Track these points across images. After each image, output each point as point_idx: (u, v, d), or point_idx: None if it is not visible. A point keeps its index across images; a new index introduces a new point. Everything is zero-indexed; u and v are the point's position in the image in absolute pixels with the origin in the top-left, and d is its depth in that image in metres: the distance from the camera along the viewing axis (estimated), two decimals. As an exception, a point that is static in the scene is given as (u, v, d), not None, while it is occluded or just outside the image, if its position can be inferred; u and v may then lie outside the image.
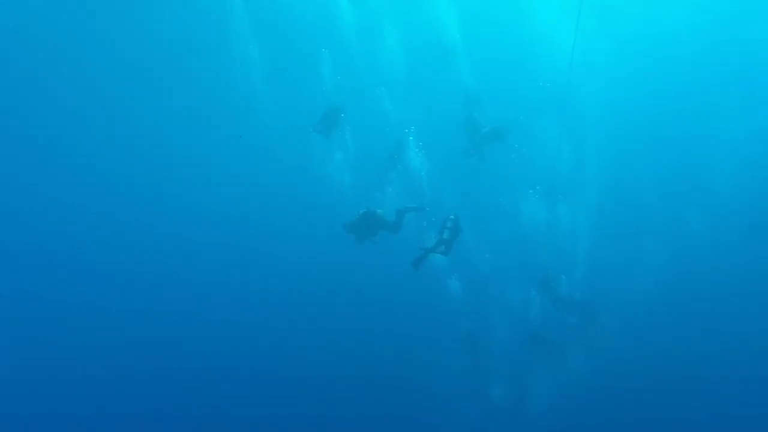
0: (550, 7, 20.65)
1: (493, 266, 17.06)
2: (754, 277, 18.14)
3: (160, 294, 21.15)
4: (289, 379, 18.94)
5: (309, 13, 20.10)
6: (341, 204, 15.84)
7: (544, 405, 15.50)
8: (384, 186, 16.58)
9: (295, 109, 19.18)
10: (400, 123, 18.06)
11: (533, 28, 20.97)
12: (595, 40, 18.68)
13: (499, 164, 16.52)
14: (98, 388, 19.26)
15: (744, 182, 19.67)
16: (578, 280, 16.29)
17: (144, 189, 22.87)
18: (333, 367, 18.89)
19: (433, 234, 12.64)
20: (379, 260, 15.10)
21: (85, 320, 20.70)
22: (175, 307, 20.87)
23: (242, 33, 19.84)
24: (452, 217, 11.79)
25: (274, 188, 21.99)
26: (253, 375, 19.36)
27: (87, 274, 21.90)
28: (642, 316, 17.26)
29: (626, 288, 17.45)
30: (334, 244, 12.84)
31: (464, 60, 19.82)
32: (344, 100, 15.71)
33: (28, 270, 21.69)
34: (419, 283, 16.23)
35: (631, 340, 16.82)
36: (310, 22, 20.06)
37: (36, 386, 19.63)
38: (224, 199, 22.51)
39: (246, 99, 20.76)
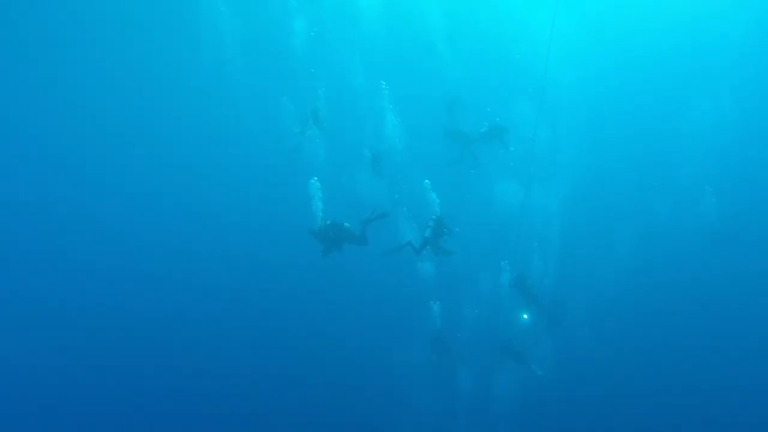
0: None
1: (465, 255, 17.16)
2: (718, 271, 18.85)
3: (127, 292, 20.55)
4: (262, 377, 18.84)
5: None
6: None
7: (510, 405, 15.97)
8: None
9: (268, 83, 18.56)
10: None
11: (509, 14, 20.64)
12: (571, 29, 18.47)
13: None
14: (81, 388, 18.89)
15: (709, 173, 20.18)
16: (550, 271, 16.63)
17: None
18: (300, 366, 18.80)
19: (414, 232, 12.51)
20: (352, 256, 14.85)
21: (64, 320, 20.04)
22: (142, 304, 20.26)
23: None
24: (434, 217, 11.72)
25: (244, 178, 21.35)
26: (226, 372, 19.10)
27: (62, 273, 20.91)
28: (610, 309, 17.83)
29: (595, 279, 17.92)
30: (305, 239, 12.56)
31: (444, 48, 19.39)
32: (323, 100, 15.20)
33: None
34: (391, 278, 16.20)
35: (600, 336, 17.33)
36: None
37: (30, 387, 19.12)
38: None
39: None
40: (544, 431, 16.54)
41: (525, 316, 14.26)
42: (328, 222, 11.20)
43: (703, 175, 19.60)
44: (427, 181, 14.92)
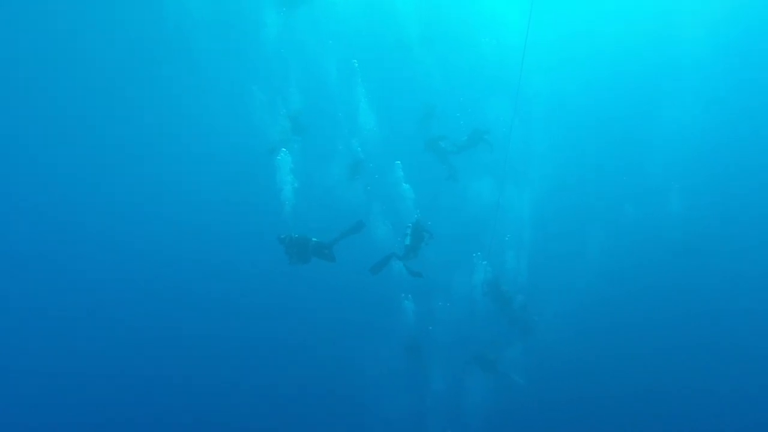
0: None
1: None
2: (689, 272, 19.26)
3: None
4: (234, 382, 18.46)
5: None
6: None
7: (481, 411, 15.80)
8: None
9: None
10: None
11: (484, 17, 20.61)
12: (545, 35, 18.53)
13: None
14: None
15: (676, 176, 20.65)
16: (522, 271, 16.61)
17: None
18: (271, 369, 18.50)
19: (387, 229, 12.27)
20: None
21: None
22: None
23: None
24: (410, 224, 11.47)
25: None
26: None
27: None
28: (581, 313, 17.87)
29: (567, 280, 17.99)
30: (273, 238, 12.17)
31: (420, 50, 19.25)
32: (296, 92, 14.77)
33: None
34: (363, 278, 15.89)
35: (572, 338, 17.28)
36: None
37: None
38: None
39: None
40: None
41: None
42: (296, 235, 10.81)
43: (672, 175, 20.18)
44: (398, 162, 14.68)
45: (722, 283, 19.22)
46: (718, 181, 20.94)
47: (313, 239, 10.85)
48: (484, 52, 20.49)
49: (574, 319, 17.49)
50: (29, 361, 18.37)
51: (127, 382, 18.22)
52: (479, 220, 17.69)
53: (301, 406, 17.81)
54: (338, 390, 17.88)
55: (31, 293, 19.39)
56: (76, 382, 18.18)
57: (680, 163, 20.48)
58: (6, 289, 19.07)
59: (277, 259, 11.54)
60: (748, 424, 16.53)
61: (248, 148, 18.32)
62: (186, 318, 19.35)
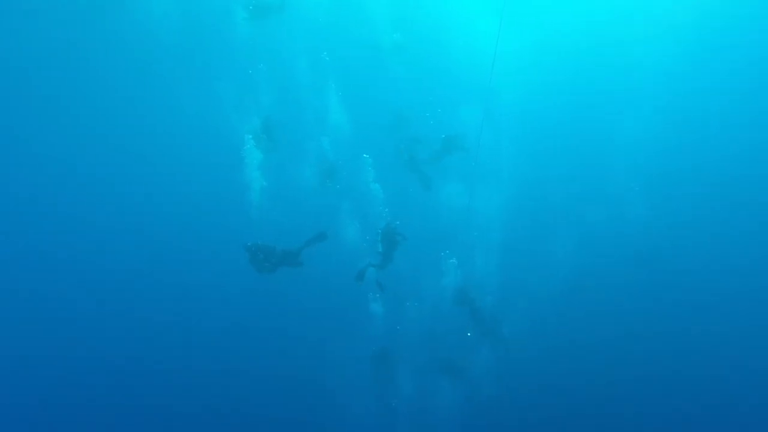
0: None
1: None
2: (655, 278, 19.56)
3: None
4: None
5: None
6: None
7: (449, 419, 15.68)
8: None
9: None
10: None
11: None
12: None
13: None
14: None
15: (638, 182, 21.13)
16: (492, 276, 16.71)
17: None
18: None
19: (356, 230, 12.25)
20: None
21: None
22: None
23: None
24: (379, 231, 11.51)
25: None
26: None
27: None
28: (548, 319, 17.97)
29: (533, 289, 18.16)
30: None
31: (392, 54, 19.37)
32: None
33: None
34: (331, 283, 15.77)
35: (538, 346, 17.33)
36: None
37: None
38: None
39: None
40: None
41: (469, 334, 14.27)
42: (260, 243, 10.87)
43: (632, 178, 20.74)
44: (366, 155, 14.71)
45: (695, 284, 19.62)
46: (686, 184, 21.58)
47: (278, 248, 10.85)
48: (455, 57, 20.73)
49: (542, 321, 17.64)
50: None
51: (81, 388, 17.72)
52: (448, 220, 17.90)
53: (269, 412, 17.49)
54: (305, 393, 17.61)
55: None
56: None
57: (646, 165, 21.02)
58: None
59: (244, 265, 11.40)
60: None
61: (217, 148, 18.07)
62: (142, 325, 18.85)
